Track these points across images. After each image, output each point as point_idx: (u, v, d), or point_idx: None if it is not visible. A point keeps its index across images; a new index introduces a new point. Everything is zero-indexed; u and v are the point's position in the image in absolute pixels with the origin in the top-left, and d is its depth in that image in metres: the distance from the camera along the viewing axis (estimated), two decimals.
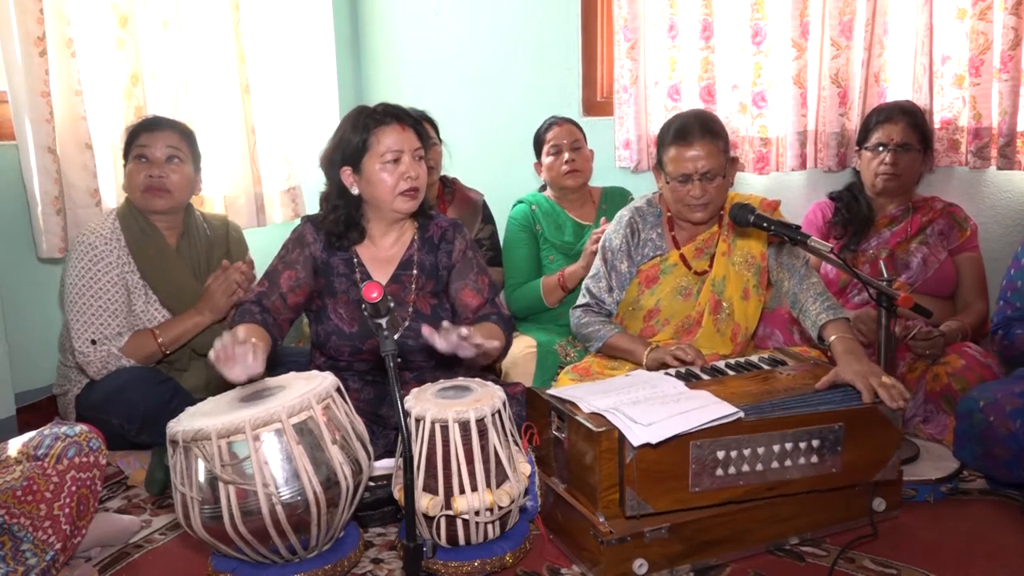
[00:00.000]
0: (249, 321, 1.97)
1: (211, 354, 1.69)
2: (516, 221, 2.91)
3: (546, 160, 2.90)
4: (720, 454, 1.69)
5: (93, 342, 2.25)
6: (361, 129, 2.02)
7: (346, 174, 2.06)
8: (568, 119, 2.95)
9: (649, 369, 2.13)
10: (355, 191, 2.07)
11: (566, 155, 2.84)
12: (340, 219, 2.09)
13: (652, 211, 2.37)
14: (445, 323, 1.75)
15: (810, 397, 1.82)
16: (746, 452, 1.70)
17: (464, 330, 1.74)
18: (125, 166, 2.39)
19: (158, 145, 2.34)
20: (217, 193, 3.15)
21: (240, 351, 1.68)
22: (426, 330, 1.74)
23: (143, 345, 2.31)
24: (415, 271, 2.15)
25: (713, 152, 2.16)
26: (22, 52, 2.37)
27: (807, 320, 2.14)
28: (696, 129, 2.17)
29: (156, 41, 2.89)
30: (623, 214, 2.38)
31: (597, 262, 2.39)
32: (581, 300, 2.40)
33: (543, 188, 3.03)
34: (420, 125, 2.11)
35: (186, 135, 2.43)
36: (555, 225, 2.89)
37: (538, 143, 2.95)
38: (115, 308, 2.29)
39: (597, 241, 2.56)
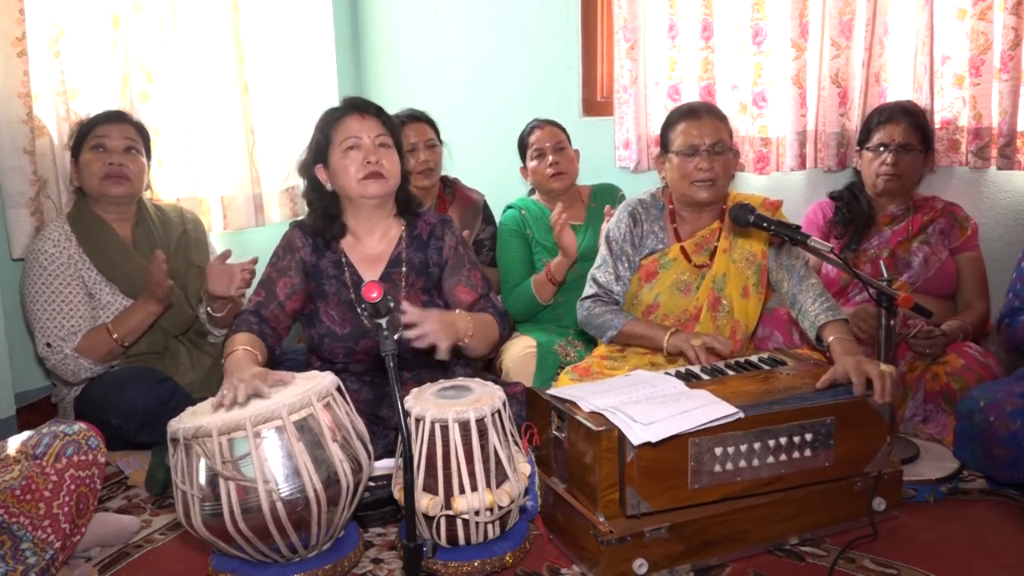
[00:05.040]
0: (245, 330, 1.97)
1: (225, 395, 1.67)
2: (507, 226, 2.90)
3: (531, 164, 2.89)
4: (718, 451, 1.69)
5: (48, 345, 2.28)
6: (324, 125, 2.10)
7: (319, 172, 2.12)
8: (550, 121, 2.92)
9: (670, 353, 2.14)
10: (329, 187, 2.12)
11: (550, 158, 2.82)
12: (318, 214, 2.13)
13: (655, 204, 2.37)
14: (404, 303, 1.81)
15: (809, 396, 1.82)
16: (743, 448, 1.71)
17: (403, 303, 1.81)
18: (75, 159, 2.40)
19: (117, 136, 2.39)
20: (214, 194, 3.15)
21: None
22: (407, 306, 1.80)
23: (99, 342, 2.32)
24: (404, 268, 2.15)
25: (719, 128, 2.23)
26: (0, 53, 2.36)
27: (805, 321, 2.14)
28: (704, 108, 2.29)
29: (153, 41, 2.89)
30: (624, 204, 2.39)
31: (602, 252, 2.37)
32: (588, 291, 2.37)
33: (532, 191, 3.02)
34: (385, 115, 2.14)
35: (141, 131, 2.49)
36: (545, 228, 2.87)
37: (522, 147, 2.94)
38: (71, 310, 2.30)
39: (561, 224, 2.56)
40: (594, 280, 2.37)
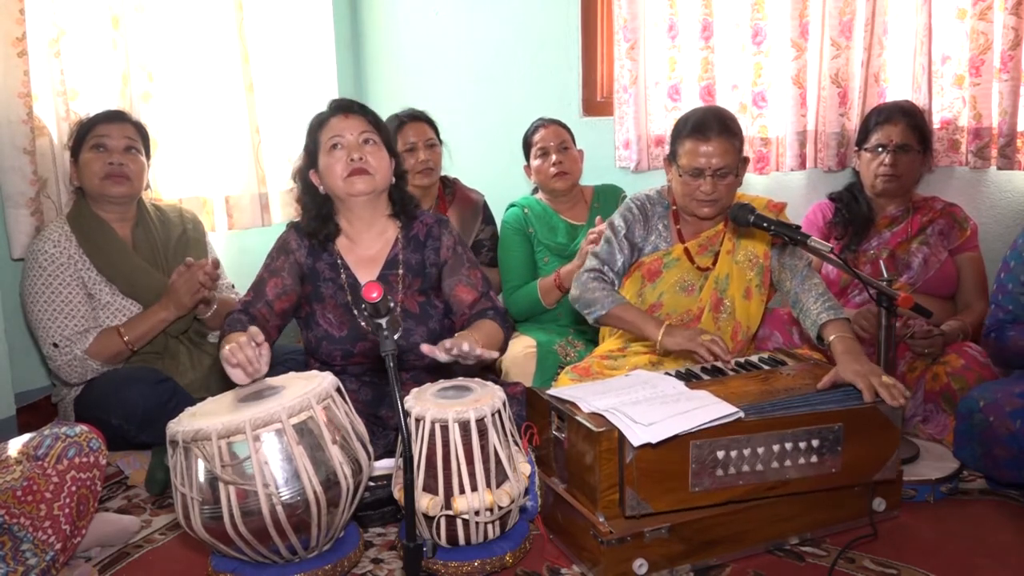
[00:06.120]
0: (240, 330, 1.95)
1: (223, 354, 1.74)
2: (509, 225, 2.90)
3: (534, 163, 2.89)
4: (720, 454, 1.69)
5: (55, 345, 2.29)
6: (311, 130, 2.11)
7: (312, 176, 2.12)
8: (554, 120, 2.93)
9: (664, 352, 2.12)
10: (322, 190, 2.12)
11: (553, 157, 2.83)
12: (311, 215, 2.13)
13: (660, 202, 2.36)
14: (447, 342, 1.76)
15: (810, 397, 1.81)
16: (746, 452, 1.70)
17: (465, 346, 1.74)
18: (75, 159, 2.40)
19: (117, 135, 2.39)
20: (218, 193, 3.15)
21: (250, 356, 1.73)
22: (425, 348, 1.75)
23: (109, 344, 2.33)
24: (401, 270, 2.15)
25: (728, 150, 2.17)
26: (0, 53, 2.37)
27: (807, 320, 2.13)
28: (714, 125, 2.17)
29: (154, 40, 2.89)
30: (633, 197, 2.37)
31: (607, 234, 2.34)
32: (589, 264, 2.31)
33: (535, 190, 3.02)
34: (371, 114, 2.13)
35: (141, 130, 2.49)
36: (548, 227, 2.88)
37: (526, 146, 2.94)
38: (72, 309, 2.31)
39: (593, 241, 2.56)
40: (596, 255, 2.32)
